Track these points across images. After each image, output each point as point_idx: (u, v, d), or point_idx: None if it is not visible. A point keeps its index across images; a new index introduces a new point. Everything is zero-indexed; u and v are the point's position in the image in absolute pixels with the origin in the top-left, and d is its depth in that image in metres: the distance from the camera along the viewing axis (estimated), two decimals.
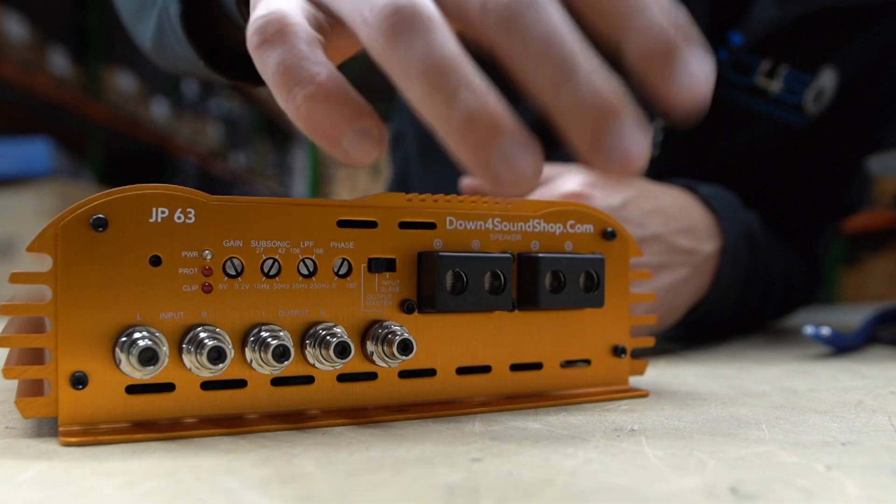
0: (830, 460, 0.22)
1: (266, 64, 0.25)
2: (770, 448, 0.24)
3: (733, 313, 0.54)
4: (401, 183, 0.79)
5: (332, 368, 0.28)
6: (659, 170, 0.58)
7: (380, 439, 0.25)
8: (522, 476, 0.21)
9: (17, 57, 2.32)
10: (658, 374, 0.40)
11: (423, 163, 0.74)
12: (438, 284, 0.29)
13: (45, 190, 1.71)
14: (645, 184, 0.49)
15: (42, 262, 0.25)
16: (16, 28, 2.35)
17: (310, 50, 0.25)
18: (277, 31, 0.25)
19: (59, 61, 2.54)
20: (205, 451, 0.23)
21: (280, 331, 0.27)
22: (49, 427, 0.26)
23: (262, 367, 0.27)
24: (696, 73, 0.21)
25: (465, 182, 0.52)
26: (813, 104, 0.61)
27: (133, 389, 0.26)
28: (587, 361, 0.33)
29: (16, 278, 0.25)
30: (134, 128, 2.90)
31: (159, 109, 3.10)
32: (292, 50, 0.24)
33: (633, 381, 0.36)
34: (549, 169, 0.49)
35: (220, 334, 0.26)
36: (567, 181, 0.46)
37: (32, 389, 0.27)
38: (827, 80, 0.60)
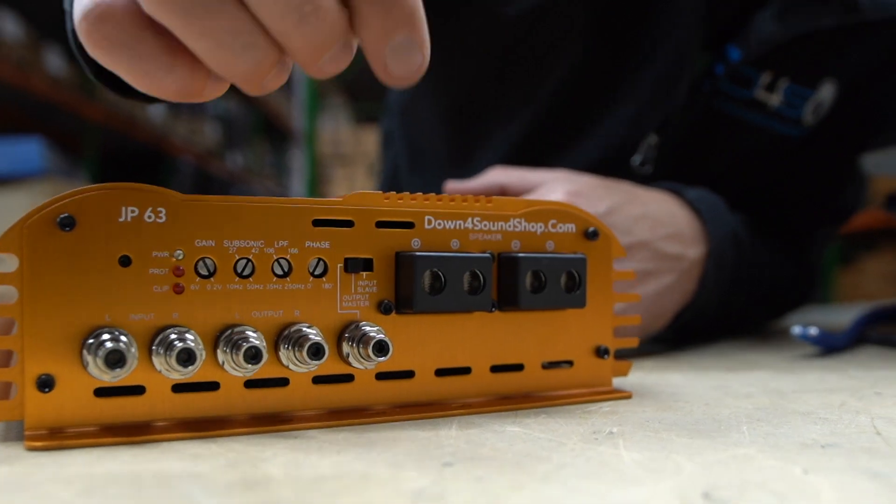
0: (808, 463, 0.22)
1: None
2: (749, 451, 0.23)
3: (718, 316, 0.53)
4: (392, 181, 0.79)
5: (306, 370, 0.27)
6: (653, 182, 0.58)
7: (352, 443, 0.25)
8: (492, 481, 0.20)
9: (12, 56, 2.31)
10: (644, 374, 0.39)
11: (410, 169, 0.73)
12: (416, 284, 0.29)
13: (37, 189, 1.71)
14: (632, 188, 0.48)
15: (10, 262, 0.25)
16: (11, 27, 2.34)
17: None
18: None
19: (55, 60, 2.53)
20: (172, 456, 0.23)
21: (253, 332, 0.26)
22: (18, 431, 0.26)
23: (235, 369, 0.26)
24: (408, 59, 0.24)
25: (450, 185, 0.51)
26: (811, 116, 0.60)
27: (102, 392, 0.25)
28: (569, 363, 0.33)
29: None
30: (130, 127, 2.89)
31: (156, 109, 3.09)
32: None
33: (618, 382, 0.36)
34: (533, 176, 0.49)
35: (190, 336, 0.25)
36: (551, 191, 0.46)
37: (3, 392, 0.26)
38: (826, 92, 0.60)
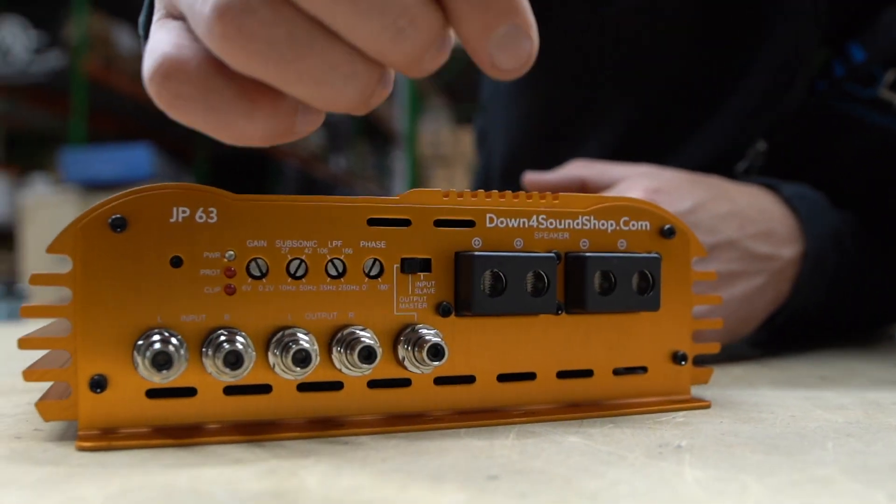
0: None
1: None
2: (830, 472, 0.21)
3: (823, 321, 0.49)
4: (484, 181, 0.78)
5: (359, 374, 0.26)
6: (748, 178, 0.54)
7: (401, 451, 0.24)
8: (535, 498, 0.19)
9: (127, 68, 2.43)
10: (730, 382, 0.37)
11: (502, 175, 0.71)
12: (475, 286, 0.28)
13: None
14: (721, 183, 0.45)
15: (66, 264, 0.25)
16: (127, 40, 2.46)
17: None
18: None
19: None
20: (215, 460, 0.22)
21: (304, 334, 0.26)
22: (75, 431, 0.26)
23: (285, 371, 0.25)
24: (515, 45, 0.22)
25: (528, 176, 0.50)
26: None
27: (154, 394, 0.25)
28: (643, 369, 0.31)
29: (36, 280, 0.25)
30: None
31: None
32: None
33: (699, 390, 0.33)
34: (615, 170, 0.46)
35: (240, 337, 0.25)
36: (631, 187, 0.43)
37: (61, 392, 0.26)
38: None
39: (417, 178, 3.47)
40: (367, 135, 4.40)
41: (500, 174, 0.72)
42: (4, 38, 2.34)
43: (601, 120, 0.61)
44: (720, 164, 0.55)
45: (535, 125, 0.66)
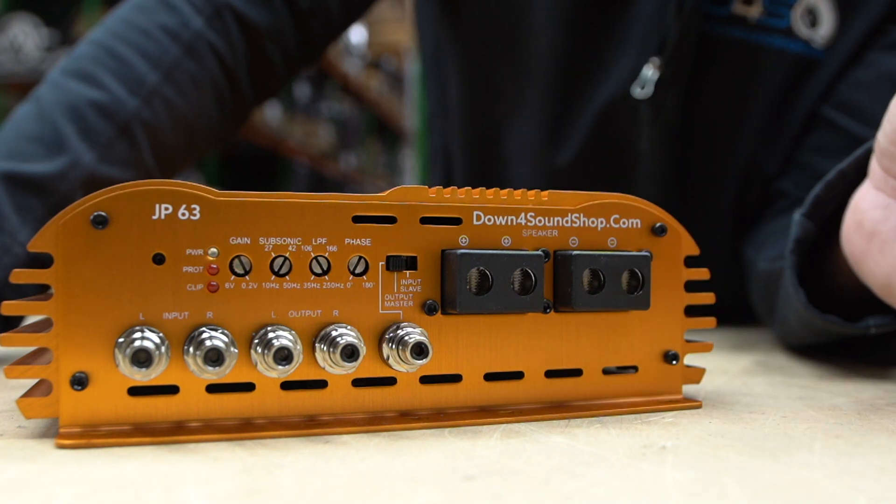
0: (879, 492, 0.19)
1: None
2: (814, 475, 0.20)
3: None
4: (444, 163, 0.78)
5: (342, 372, 0.26)
6: (656, 111, 0.56)
7: (381, 450, 0.23)
8: (509, 499, 0.18)
9: None
10: (728, 379, 0.36)
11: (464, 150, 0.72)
12: (461, 284, 0.27)
13: None
14: None
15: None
16: None
17: None
18: None
19: None
20: (193, 459, 0.22)
21: (286, 332, 0.25)
22: (57, 428, 0.26)
23: (267, 370, 0.25)
24: None
25: None
26: (807, 28, 0.55)
27: (136, 391, 0.25)
28: (634, 368, 0.31)
29: (17, 276, 0.24)
30: (248, 130, 2.99)
31: (272, 112, 3.18)
32: None
33: (693, 389, 0.33)
34: None
35: (223, 335, 0.25)
36: None
37: (43, 390, 0.26)
38: None
39: (427, 176, 3.46)
40: (377, 133, 4.40)
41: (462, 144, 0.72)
42: (16, 36, 2.35)
43: (530, 81, 0.62)
44: (619, 92, 0.57)
45: (474, 99, 0.68)
